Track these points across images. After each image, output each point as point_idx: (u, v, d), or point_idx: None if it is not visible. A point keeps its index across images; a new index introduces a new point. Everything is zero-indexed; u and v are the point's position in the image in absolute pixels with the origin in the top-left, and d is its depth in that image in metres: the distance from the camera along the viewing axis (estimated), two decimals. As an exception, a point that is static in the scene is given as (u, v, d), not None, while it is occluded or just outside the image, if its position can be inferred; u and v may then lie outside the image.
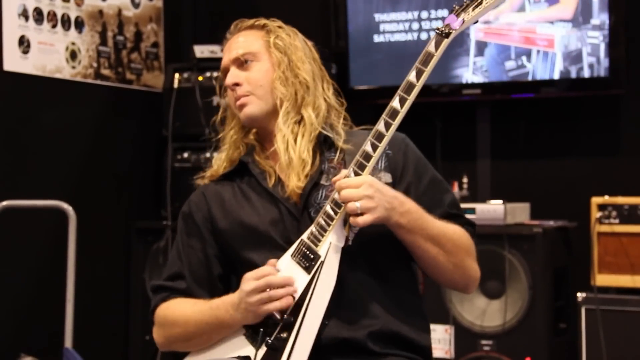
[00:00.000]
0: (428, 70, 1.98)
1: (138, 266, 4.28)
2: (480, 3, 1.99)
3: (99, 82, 4.27)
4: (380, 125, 1.99)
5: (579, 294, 3.63)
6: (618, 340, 3.54)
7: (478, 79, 4.08)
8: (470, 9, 1.99)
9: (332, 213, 2.00)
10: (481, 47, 4.06)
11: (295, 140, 2.14)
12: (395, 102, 2.00)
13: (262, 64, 2.20)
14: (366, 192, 1.95)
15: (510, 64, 4.04)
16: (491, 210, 3.79)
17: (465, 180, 4.11)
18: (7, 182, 3.82)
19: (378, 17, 4.22)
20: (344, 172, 2.01)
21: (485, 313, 3.76)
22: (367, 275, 2.07)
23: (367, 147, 1.99)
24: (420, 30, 4.15)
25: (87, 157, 4.20)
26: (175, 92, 4.27)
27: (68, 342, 3.64)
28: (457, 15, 1.99)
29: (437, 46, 1.98)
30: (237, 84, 2.19)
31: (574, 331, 3.69)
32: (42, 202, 3.76)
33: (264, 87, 2.19)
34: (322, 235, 2.01)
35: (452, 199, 2.16)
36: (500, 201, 3.83)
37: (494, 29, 4.05)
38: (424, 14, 4.14)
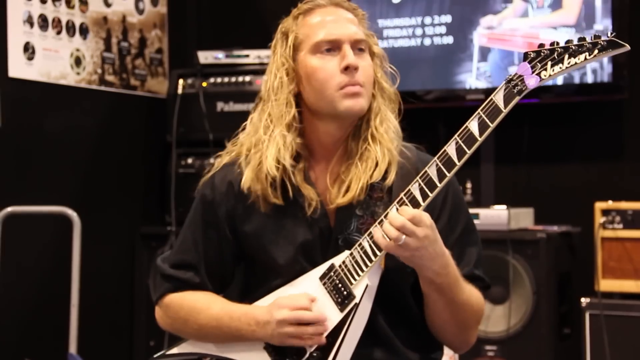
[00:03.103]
0: (493, 127, 1.82)
1: (142, 272, 4.28)
2: (561, 60, 1.77)
3: (103, 88, 4.28)
4: (432, 170, 1.85)
5: (583, 299, 3.63)
6: (622, 345, 3.53)
7: (482, 84, 4.08)
8: (549, 64, 1.77)
9: (370, 252, 1.87)
10: (484, 52, 4.06)
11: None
12: (451, 149, 1.85)
13: (368, 57, 2.01)
14: (420, 233, 1.79)
15: (513, 70, 4.02)
16: (495, 215, 3.79)
17: (468, 185, 4.11)
18: (11, 188, 3.82)
19: (381, 22, 4.22)
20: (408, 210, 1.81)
21: (489, 318, 3.75)
22: (390, 309, 1.97)
23: (416, 193, 1.84)
24: (423, 35, 4.16)
25: (92, 162, 4.21)
26: (179, 98, 4.29)
27: (72, 348, 3.65)
28: (532, 68, 1.78)
29: (506, 102, 1.81)
30: (357, 69, 1.95)
31: (578, 336, 3.69)
32: (47, 207, 3.76)
33: (372, 84, 1.99)
34: (358, 275, 1.88)
35: (479, 256, 2.03)
36: (504, 206, 3.83)
37: (497, 35, 4.05)
38: (427, 20, 4.14)
